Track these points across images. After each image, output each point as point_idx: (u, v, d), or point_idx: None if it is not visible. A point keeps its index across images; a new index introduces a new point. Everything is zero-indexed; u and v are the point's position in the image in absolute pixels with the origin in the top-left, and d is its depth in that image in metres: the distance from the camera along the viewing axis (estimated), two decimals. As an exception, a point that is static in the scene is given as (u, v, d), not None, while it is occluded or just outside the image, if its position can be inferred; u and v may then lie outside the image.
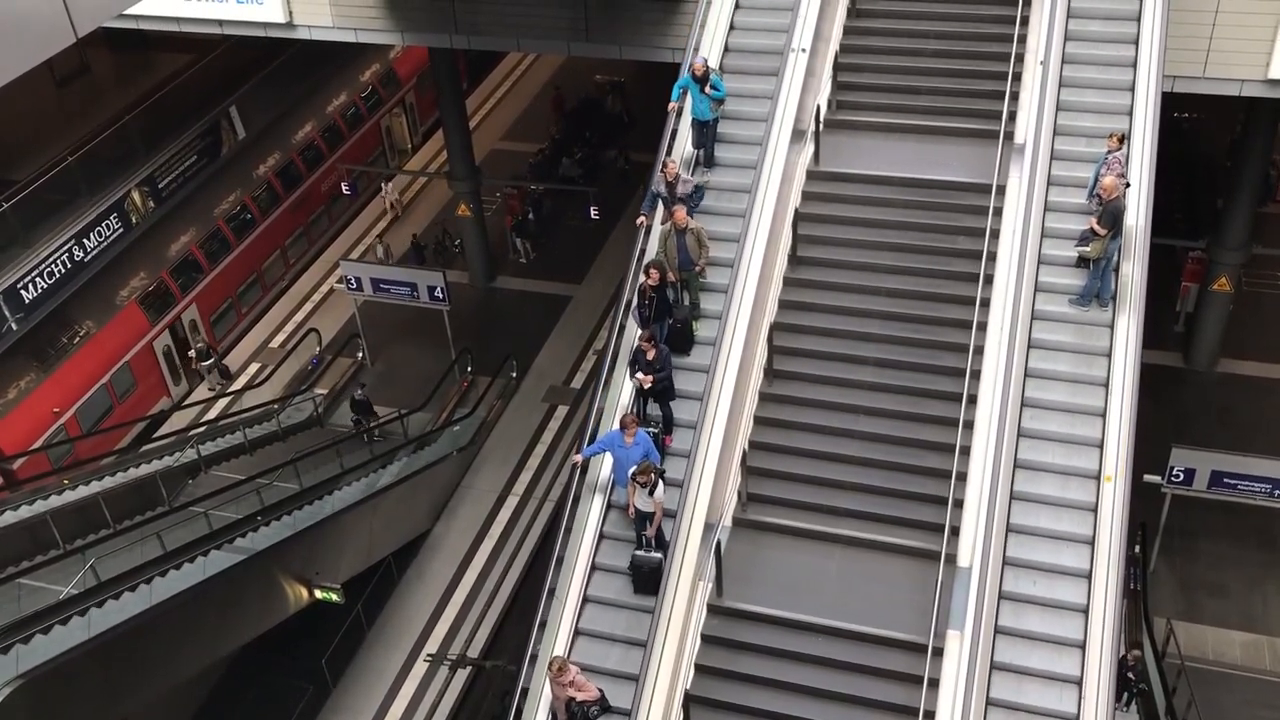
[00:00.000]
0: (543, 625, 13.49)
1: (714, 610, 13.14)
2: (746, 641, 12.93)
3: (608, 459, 13.63)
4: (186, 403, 27.02)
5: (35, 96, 27.19)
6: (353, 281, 26.14)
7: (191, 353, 27.16)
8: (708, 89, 15.38)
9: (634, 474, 12.68)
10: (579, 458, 13.74)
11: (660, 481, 12.78)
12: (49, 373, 23.79)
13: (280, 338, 29.08)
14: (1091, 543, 12.72)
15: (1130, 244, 14.27)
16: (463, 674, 20.80)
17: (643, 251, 15.31)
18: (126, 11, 14.78)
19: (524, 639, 14.06)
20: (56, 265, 23.92)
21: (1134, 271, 14.19)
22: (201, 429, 24.57)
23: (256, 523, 19.53)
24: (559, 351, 27.68)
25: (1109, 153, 14.38)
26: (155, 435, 25.27)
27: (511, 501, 24.08)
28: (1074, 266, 14.43)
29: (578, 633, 13.25)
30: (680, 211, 14.38)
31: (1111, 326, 14.07)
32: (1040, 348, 14.14)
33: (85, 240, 24.59)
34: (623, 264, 15.28)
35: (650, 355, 13.57)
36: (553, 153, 33.54)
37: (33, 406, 23.32)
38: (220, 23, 22.55)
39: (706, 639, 13.02)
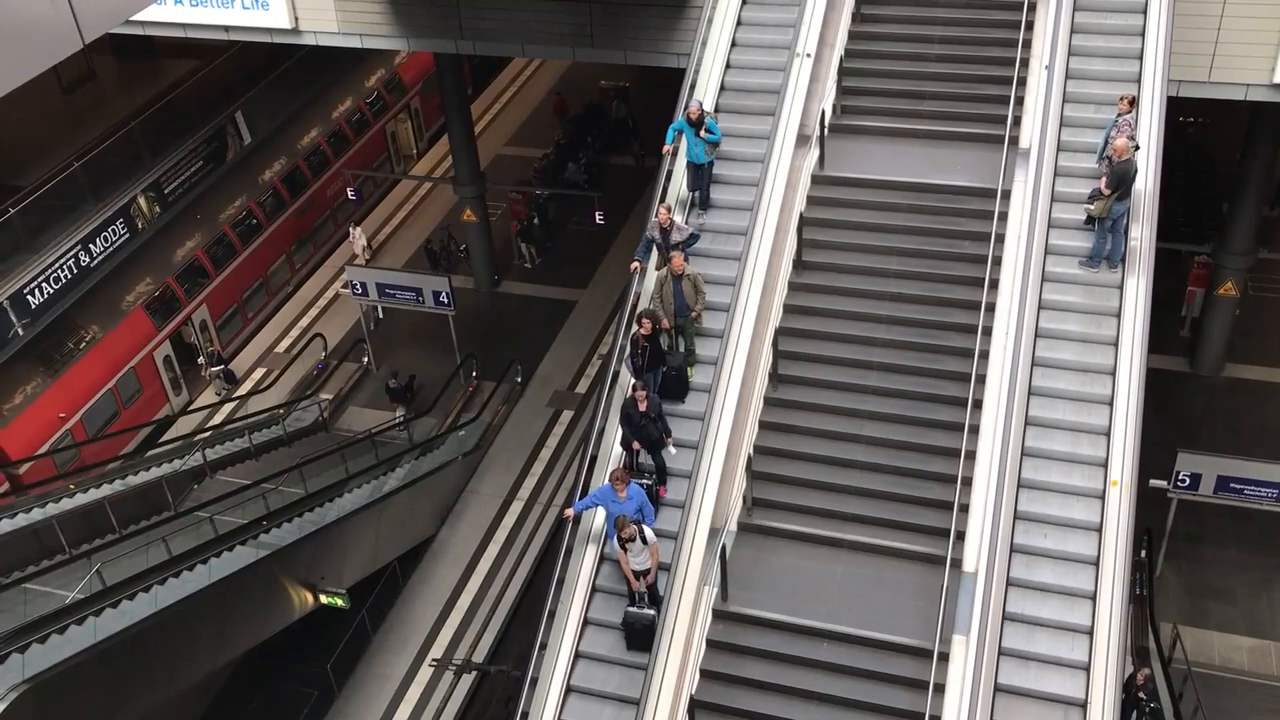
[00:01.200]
0: (533, 682, 13.10)
1: (719, 615, 13.12)
2: (751, 647, 12.91)
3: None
4: (192, 408, 27.05)
5: (42, 102, 27.26)
6: (358, 287, 26.18)
7: (201, 359, 27.19)
8: (703, 133, 15.10)
9: (618, 538, 12.38)
10: (570, 512, 13.49)
11: (649, 530, 12.52)
12: (55, 378, 23.84)
13: (286, 343, 29.13)
14: (1097, 548, 12.70)
15: (1139, 207, 14.34)
16: (468, 679, 20.79)
17: (638, 295, 15.02)
18: (133, 17, 14.80)
19: (528, 644, 13.99)
20: (63, 271, 23.97)
21: (1143, 234, 14.31)
22: (207, 434, 24.60)
23: (262, 528, 19.55)
24: (564, 356, 27.70)
25: (1119, 115, 14.61)
26: (161, 440, 25.30)
27: (516, 506, 24.08)
28: (1083, 226, 14.64)
29: (569, 690, 12.88)
30: (678, 258, 14.10)
31: (1121, 288, 14.19)
32: (1050, 309, 14.28)
33: (91, 246, 24.65)
34: (627, 270, 15.19)
35: (643, 407, 13.30)
36: (558, 158, 33.57)
37: (39, 412, 23.36)
38: (226, 28, 22.59)
39: (712, 644, 13.01)
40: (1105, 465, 13.09)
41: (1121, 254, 14.28)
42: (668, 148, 15.88)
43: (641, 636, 12.75)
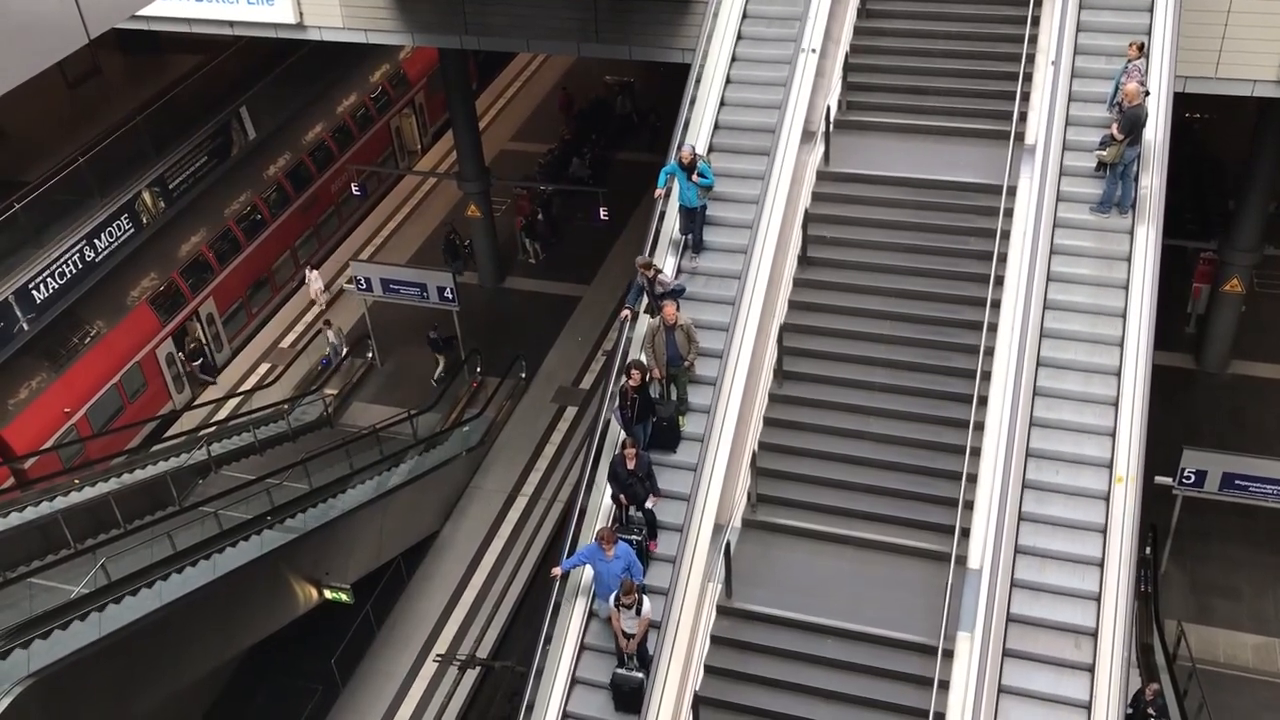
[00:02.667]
0: None
1: (723, 612, 13.11)
2: (756, 643, 12.90)
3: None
4: (197, 403, 27.08)
5: (47, 98, 27.28)
6: (362, 282, 26.19)
7: (182, 354, 27.13)
8: (695, 177, 14.79)
9: (617, 599, 12.06)
10: (558, 571, 13.12)
11: (645, 598, 12.19)
12: (60, 373, 23.87)
13: (290, 338, 29.15)
14: (1103, 538, 12.68)
15: (1149, 157, 14.46)
16: (472, 674, 20.81)
17: (629, 341, 14.70)
18: (138, 13, 14.80)
19: (530, 642, 13.96)
20: (68, 265, 24.00)
21: (1153, 182, 14.43)
22: (212, 429, 24.63)
23: (266, 523, 19.57)
24: (568, 352, 27.69)
25: (1129, 62, 14.74)
26: (165, 435, 25.33)
27: (520, 502, 24.09)
28: (1094, 173, 14.80)
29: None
30: (670, 307, 13.63)
31: (1131, 233, 14.33)
32: (1061, 253, 14.41)
33: (96, 241, 24.66)
34: (632, 266, 15.11)
35: (631, 465, 12.94)
36: (562, 153, 33.55)
37: (44, 406, 23.40)
38: (231, 24, 22.59)
39: (716, 640, 13.00)
40: (1112, 436, 13.16)
41: (1132, 200, 14.47)
42: (659, 191, 15.38)
43: (630, 699, 12.43)
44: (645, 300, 14.55)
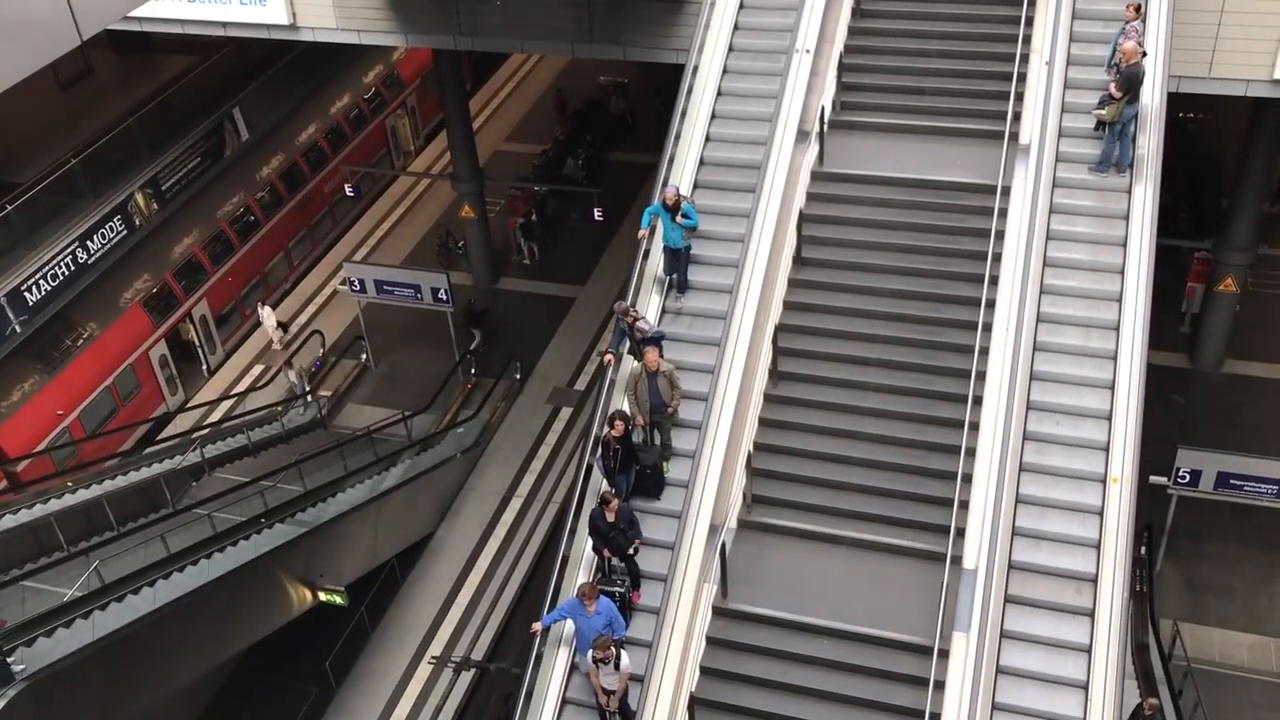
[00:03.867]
0: None
1: (719, 612, 13.11)
2: (751, 644, 12.91)
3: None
4: (190, 405, 27.00)
5: (39, 99, 27.18)
6: (356, 283, 26.13)
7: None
8: (679, 218, 14.61)
9: (592, 653, 11.83)
10: (538, 626, 12.89)
11: (624, 653, 11.98)
12: (53, 375, 23.79)
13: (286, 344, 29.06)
14: (1097, 547, 12.69)
15: (1146, 118, 14.80)
16: (467, 676, 20.77)
17: (612, 382, 14.47)
18: (131, 14, 14.75)
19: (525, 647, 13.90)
20: (60, 267, 23.91)
21: (1150, 142, 14.75)
22: (205, 431, 24.56)
23: (260, 525, 19.52)
24: (563, 353, 27.66)
25: (1126, 23, 15.10)
26: (159, 437, 25.26)
27: (516, 503, 24.05)
28: (1092, 133, 15.19)
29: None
30: (652, 354, 13.36)
31: (1129, 192, 14.63)
32: (1060, 212, 14.77)
33: (89, 242, 24.57)
34: (626, 266, 15.00)
35: (611, 517, 12.70)
36: (557, 154, 33.51)
37: (37, 409, 23.32)
38: (224, 24, 22.54)
39: (711, 641, 13.00)
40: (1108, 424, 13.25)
41: (1130, 159, 14.76)
42: (643, 232, 15.12)
43: None
44: (627, 343, 14.30)
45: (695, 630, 12.91)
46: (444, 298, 25.46)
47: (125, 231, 25.61)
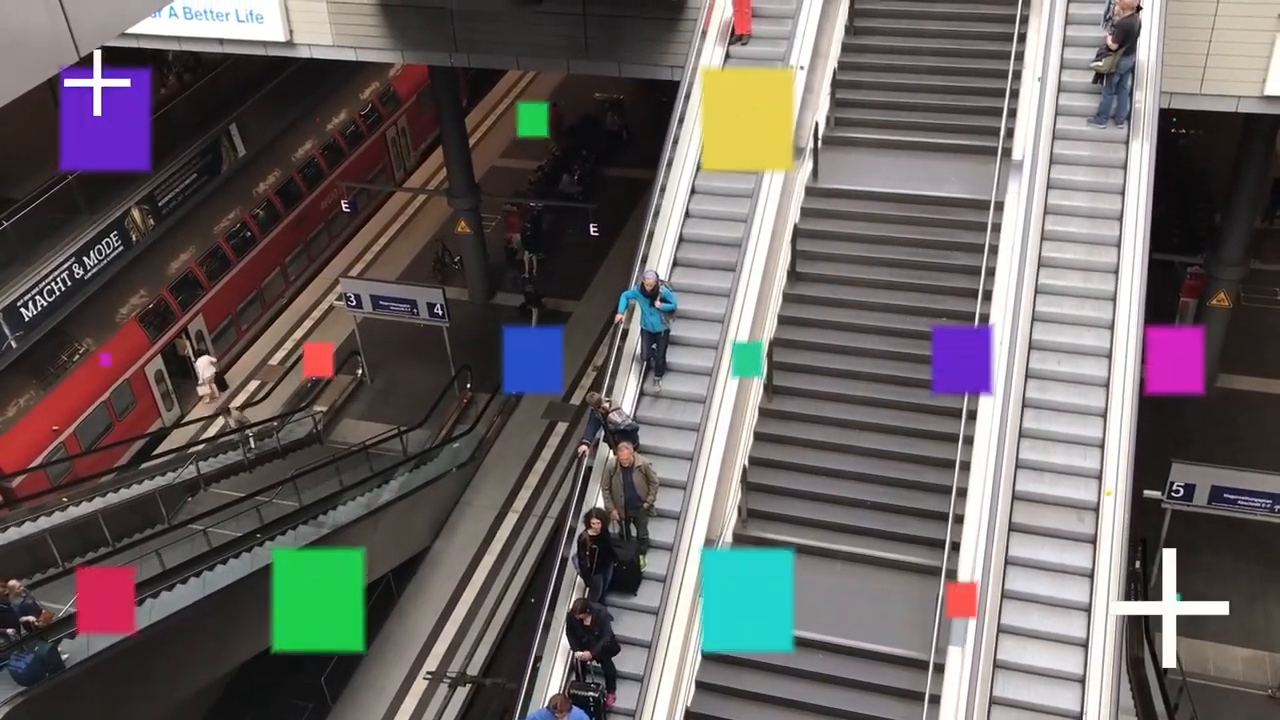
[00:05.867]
0: None
1: (715, 626, 13.08)
2: (746, 658, 12.88)
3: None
4: (186, 420, 26.98)
5: (36, 115, 27.20)
6: (352, 298, 26.16)
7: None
8: (658, 303, 14.34)
9: None
10: None
11: None
12: (48, 390, 23.77)
13: (280, 354, 29.08)
14: (1091, 555, 12.71)
15: (1143, 76, 15.21)
16: (463, 691, 20.72)
17: (589, 470, 14.20)
18: (129, 30, 14.81)
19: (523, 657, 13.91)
20: (56, 283, 23.94)
21: (1146, 100, 15.15)
22: (201, 446, 24.54)
23: (256, 540, 19.49)
24: (559, 368, 27.61)
25: None
26: (155, 453, 25.23)
27: (511, 518, 24.04)
28: (1090, 86, 15.63)
29: None
30: (626, 450, 13.11)
31: (1126, 143, 15.10)
32: (1060, 163, 15.22)
33: (85, 258, 24.61)
34: (622, 281, 14.93)
35: (587, 623, 12.39)
36: (552, 170, 33.61)
37: (32, 424, 23.30)
38: (221, 41, 22.64)
39: (707, 656, 12.98)
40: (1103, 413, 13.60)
41: (1127, 112, 15.17)
42: (620, 317, 14.93)
43: None
44: (602, 433, 14.06)
45: (691, 645, 12.89)
46: (440, 313, 25.47)
47: (122, 247, 25.64)
